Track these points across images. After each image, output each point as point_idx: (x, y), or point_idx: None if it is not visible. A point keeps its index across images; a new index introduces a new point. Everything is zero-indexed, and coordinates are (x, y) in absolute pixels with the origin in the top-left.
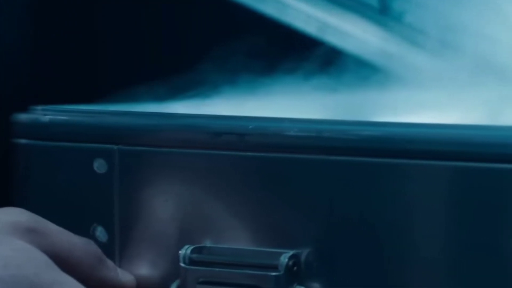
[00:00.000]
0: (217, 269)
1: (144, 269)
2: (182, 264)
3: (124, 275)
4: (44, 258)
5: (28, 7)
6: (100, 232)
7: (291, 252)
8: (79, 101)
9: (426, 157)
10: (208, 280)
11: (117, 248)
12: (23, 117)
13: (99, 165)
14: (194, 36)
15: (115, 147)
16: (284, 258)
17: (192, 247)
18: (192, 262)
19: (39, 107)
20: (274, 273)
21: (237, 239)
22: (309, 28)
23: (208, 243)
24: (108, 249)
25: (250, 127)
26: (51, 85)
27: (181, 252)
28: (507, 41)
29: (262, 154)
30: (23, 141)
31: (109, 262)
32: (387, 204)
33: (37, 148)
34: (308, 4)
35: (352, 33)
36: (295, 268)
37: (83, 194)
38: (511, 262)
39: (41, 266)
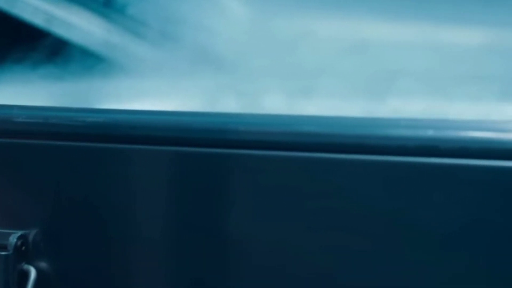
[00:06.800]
0: None
1: None
2: None
3: None
4: None
5: None
6: None
7: (19, 233)
8: None
9: (147, 142)
10: None
11: None
12: None
13: None
14: None
15: None
16: (12, 239)
17: None
18: None
19: None
20: (3, 253)
21: None
22: (37, 19)
23: None
24: None
25: None
26: None
27: None
28: (224, 33)
29: None
30: None
31: None
32: (110, 187)
33: None
34: None
35: (77, 24)
36: (23, 247)
37: None
38: (227, 243)
39: None
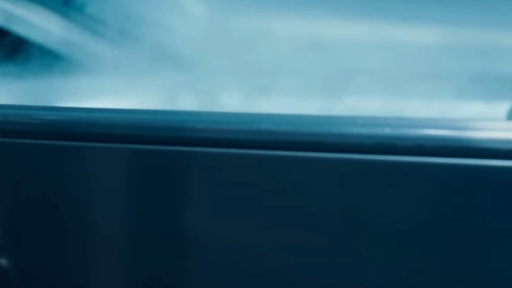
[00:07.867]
0: None
1: None
2: None
3: None
4: None
5: None
6: None
7: None
8: None
9: (106, 140)
10: None
11: None
12: None
13: None
14: None
15: None
16: None
17: None
18: None
19: None
20: None
21: None
22: None
23: None
24: None
25: None
26: None
27: None
28: (182, 31)
29: None
30: None
31: None
32: (69, 185)
33: None
34: None
35: (37, 23)
36: None
37: None
38: (184, 240)
39: None
